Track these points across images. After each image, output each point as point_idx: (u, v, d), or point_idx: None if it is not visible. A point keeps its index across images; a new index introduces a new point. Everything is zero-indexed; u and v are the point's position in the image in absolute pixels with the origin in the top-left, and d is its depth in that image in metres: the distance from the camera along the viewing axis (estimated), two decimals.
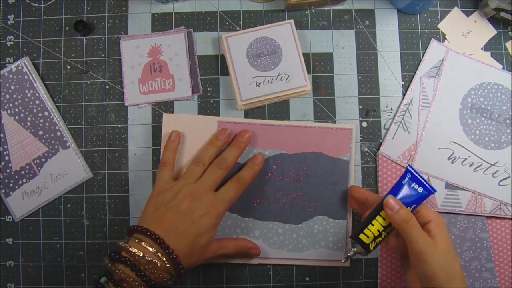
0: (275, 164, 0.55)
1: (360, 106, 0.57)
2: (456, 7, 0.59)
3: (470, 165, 0.56)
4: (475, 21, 0.59)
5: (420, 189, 0.46)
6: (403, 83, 0.58)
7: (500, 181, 0.56)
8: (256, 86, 0.55)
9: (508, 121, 0.57)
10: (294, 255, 0.54)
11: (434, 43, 0.58)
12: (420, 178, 0.46)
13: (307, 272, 0.55)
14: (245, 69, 0.55)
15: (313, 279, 0.55)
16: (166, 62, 0.57)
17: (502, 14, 0.57)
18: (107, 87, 0.57)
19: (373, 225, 0.45)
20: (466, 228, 0.56)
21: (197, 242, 0.45)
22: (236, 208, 0.54)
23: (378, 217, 0.45)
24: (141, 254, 0.41)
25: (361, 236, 0.45)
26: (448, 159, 0.56)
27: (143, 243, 0.42)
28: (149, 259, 0.41)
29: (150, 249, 0.42)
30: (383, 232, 0.45)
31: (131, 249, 0.41)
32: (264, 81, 0.55)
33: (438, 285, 0.40)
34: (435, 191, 0.46)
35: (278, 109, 0.57)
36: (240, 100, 0.54)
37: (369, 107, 0.57)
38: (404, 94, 0.58)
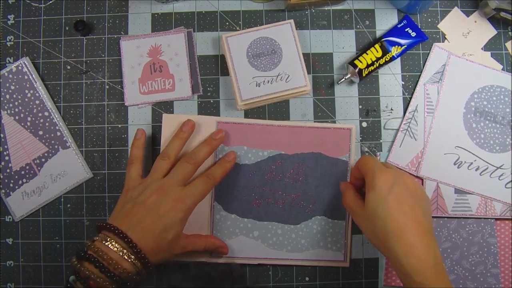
0: (274, 164, 0.55)
1: (360, 106, 0.57)
2: (456, 7, 0.59)
3: (476, 169, 0.56)
4: (475, 21, 0.59)
5: (414, 34, 0.55)
6: (403, 83, 0.58)
7: (506, 184, 0.56)
8: (256, 86, 0.55)
9: None
10: (293, 256, 0.54)
11: (436, 48, 0.58)
12: (415, 26, 0.55)
13: (307, 272, 0.55)
14: (245, 69, 0.55)
15: (313, 279, 0.55)
16: (166, 62, 0.57)
17: (502, 14, 0.57)
18: (107, 87, 0.57)
19: (367, 54, 0.54)
20: (475, 232, 0.55)
21: (163, 237, 0.44)
22: (235, 208, 0.54)
23: (372, 48, 0.54)
24: (105, 251, 0.41)
25: (356, 62, 0.54)
26: (454, 164, 0.56)
27: (108, 239, 0.42)
28: (112, 255, 0.41)
29: (115, 245, 0.42)
30: (375, 62, 0.53)
31: (95, 246, 0.42)
32: (264, 81, 0.55)
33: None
34: (427, 38, 0.56)
35: (278, 109, 0.57)
36: (240, 100, 0.54)
37: (369, 107, 0.57)
38: (403, 94, 0.57)
